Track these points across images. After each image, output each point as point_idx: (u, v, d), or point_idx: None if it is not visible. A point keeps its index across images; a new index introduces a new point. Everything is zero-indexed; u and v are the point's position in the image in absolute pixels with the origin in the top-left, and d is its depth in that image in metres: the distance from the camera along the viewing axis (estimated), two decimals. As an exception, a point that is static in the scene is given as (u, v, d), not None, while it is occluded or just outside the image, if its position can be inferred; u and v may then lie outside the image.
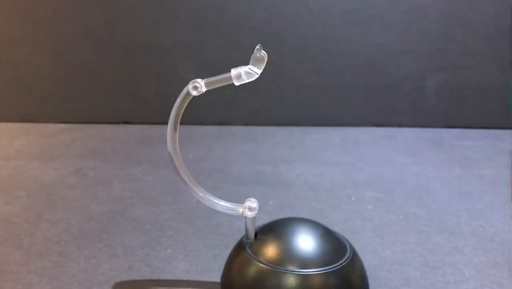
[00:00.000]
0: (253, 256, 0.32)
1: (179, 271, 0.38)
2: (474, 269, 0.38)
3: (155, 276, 0.37)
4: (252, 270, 0.31)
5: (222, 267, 0.36)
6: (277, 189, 0.57)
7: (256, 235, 0.34)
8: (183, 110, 0.32)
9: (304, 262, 0.30)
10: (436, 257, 0.40)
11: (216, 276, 0.37)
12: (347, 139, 0.79)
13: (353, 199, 0.53)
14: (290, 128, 0.86)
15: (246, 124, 0.88)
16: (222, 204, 0.34)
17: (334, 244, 0.33)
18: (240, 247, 0.34)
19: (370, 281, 0.35)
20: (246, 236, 0.34)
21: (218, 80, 0.30)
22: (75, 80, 0.89)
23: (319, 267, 0.30)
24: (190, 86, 0.30)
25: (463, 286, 0.36)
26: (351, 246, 0.33)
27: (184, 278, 0.37)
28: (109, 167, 0.64)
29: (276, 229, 0.34)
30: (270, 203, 0.52)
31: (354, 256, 0.33)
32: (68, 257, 0.40)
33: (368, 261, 0.39)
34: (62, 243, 0.42)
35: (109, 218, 0.48)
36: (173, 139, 0.32)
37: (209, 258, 0.40)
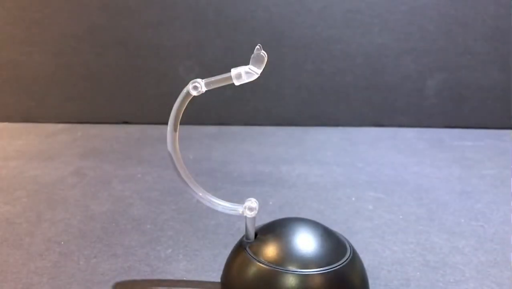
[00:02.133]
0: (253, 256, 0.32)
1: (179, 271, 0.38)
2: (474, 269, 0.38)
3: (155, 276, 0.37)
4: (252, 270, 0.31)
5: (222, 267, 0.35)
6: (277, 189, 0.57)
7: (256, 235, 0.34)
8: (183, 110, 0.32)
9: (304, 262, 0.30)
10: (436, 257, 0.40)
11: (216, 276, 0.37)
12: (347, 139, 0.79)
13: (353, 199, 0.53)
14: (290, 128, 0.86)
15: (246, 124, 0.88)
16: (222, 204, 0.34)
17: (334, 244, 0.33)
18: (240, 247, 0.34)
19: (370, 281, 0.35)
20: (246, 236, 0.34)
21: (218, 80, 0.30)
22: (75, 80, 0.89)
23: (319, 267, 0.30)
24: (190, 86, 0.30)
25: (463, 286, 0.36)
26: (351, 246, 0.33)
27: (184, 278, 0.37)
28: (109, 167, 0.64)
29: (276, 229, 0.34)
30: (270, 203, 0.52)
31: (354, 256, 0.33)
32: (68, 257, 0.40)
33: (368, 261, 0.39)
34: (62, 243, 0.42)
35: (109, 218, 0.48)
36: (173, 139, 0.32)
37: (209, 258, 0.40)
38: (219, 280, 0.36)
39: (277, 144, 0.77)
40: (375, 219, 0.48)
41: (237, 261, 0.33)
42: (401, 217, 0.48)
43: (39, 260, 0.39)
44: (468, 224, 0.47)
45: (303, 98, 0.87)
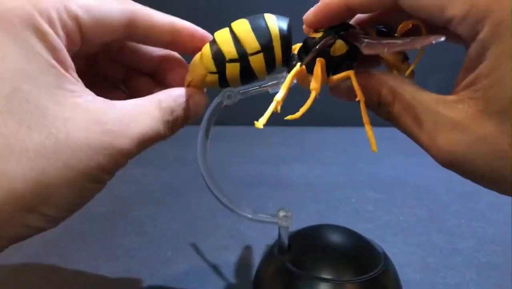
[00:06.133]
0: (289, 264, 0.31)
1: (178, 273, 0.38)
2: (475, 271, 0.38)
3: (155, 279, 0.37)
4: (288, 278, 0.30)
5: (221, 268, 0.35)
6: (277, 189, 0.57)
7: (291, 239, 0.33)
8: (214, 121, 0.31)
9: (340, 270, 0.30)
10: (436, 259, 0.40)
11: (215, 278, 0.37)
12: (347, 139, 0.79)
13: (353, 200, 0.53)
14: (290, 128, 0.86)
15: (245, 124, 0.88)
16: (257, 215, 0.32)
17: (368, 251, 0.32)
18: (273, 256, 0.33)
19: (370, 283, 0.34)
20: (280, 246, 0.32)
21: (253, 89, 0.30)
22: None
23: (355, 276, 0.29)
24: (224, 96, 0.29)
25: (464, 288, 0.36)
26: (384, 253, 0.33)
27: (184, 281, 0.37)
28: (109, 167, 0.64)
29: (308, 237, 0.33)
30: (270, 204, 0.52)
31: (389, 264, 0.32)
32: (67, 259, 0.40)
33: (368, 262, 0.39)
34: (62, 245, 0.42)
35: (108, 219, 0.48)
36: (204, 151, 0.32)
37: (209, 260, 0.40)
38: (218, 282, 0.35)
39: (276, 144, 0.77)
40: (375, 220, 0.48)
41: (272, 270, 0.32)
42: (401, 218, 0.48)
43: (38, 262, 0.39)
44: (469, 225, 0.46)
45: (303, 98, 0.87)
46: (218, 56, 0.27)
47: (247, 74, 0.27)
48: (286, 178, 0.61)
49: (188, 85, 0.29)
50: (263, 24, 0.27)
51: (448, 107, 0.23)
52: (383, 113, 0.27)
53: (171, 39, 0.27)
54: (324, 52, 0.27)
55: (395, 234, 0.45)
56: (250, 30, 0.27)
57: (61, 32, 0.22)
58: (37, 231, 0.22)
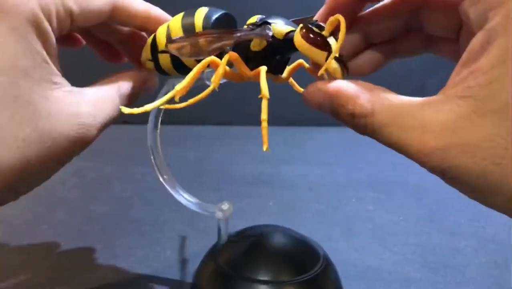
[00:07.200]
0: (223, 266, 0.30)
1: (178, 273, 0.38)
2: (475, 271, 0.38)
3: (155, 279, 0.37)
4: (221, 280, 0.30)
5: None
6: (278, 189, 0.57)
7: (232, 240, 0.33)
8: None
9: (277, 271, 0.29)
10: (437, 258, 0.40)
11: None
12: (347, 139, 0.79)
13: (353, 200, 0.53)
14: (290, 128, 0.86)
15: (246, 124, 0.88)
16: (196, 203, 0.34)
17: (307, 252, 0.32)
18: (211, 255, 0.33)
19: (370, 283, 0.34)
20: (218, 239, 0.33)
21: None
22: (75, 81, 0.89)
23: (292, 276, 0.29)
24: (169, 86, 0.31)
25: (464, 287, 0.36)
26: (324, 254, 0.32)
27: (184, 280, 0.37)
28: (109, 167, 0.64)
29: (248, 237, 0.33)
30: (270, 203, 0.52)
31: (328, 264, 0.31)
32: (67, 258, 0.40)
33: (368, 262, 0.39)
34: (62, 244, 0.42)
35: (108, 219, 0.48)
36: (155, 136, 0.33)
37: (209, 259, 0.40)
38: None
39: (277, 144, 0.77)
40: (375, 220, 0.48)
41: (207, 270, 0.32)
42: (401, 217, 0.48)
43: (38, 261, 0.39)
44: (469, 225, 0.46)
45: (299, 97, 0.87)
46: (154, 47, 0.29)
47: (179, 65, 0.29)
48: (287, 178, 0.61)
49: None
50: (192, 17, 0.28)
51: (435, 110, 0.21)
52: (360, 127, 0.24)
53: (145, 26, 0.30)
54: (244, 47, 0.28)
55: (395, 233, 0.45)
56: (180, 23, 0.28)
57: (55, 26, 0.23)
58: (4, 203, 0.25)
